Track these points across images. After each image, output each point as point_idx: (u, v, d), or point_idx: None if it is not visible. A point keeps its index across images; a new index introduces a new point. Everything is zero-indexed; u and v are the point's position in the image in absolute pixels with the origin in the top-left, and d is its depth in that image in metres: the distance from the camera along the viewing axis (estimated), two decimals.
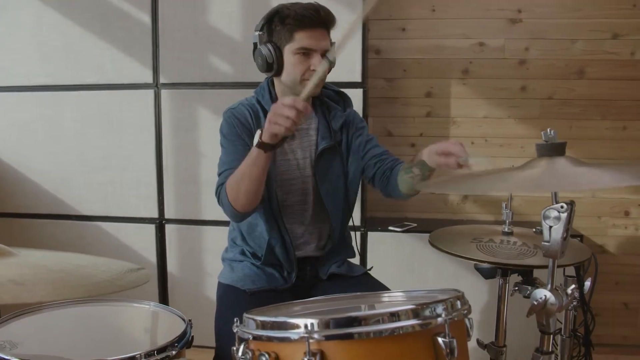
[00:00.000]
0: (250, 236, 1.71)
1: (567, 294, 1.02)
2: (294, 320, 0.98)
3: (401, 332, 0.94)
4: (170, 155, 2.66)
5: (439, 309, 0.96)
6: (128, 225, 2.75)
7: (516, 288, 1.56)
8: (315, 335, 0.95)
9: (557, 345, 1.61)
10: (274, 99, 1.66)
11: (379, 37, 2.79)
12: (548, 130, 1.12)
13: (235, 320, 1.12)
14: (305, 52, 1.56)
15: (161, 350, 1.21)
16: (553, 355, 1.09)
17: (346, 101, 1.77)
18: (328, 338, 0.95)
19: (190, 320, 1.36)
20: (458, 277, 2.51)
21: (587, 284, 1.53)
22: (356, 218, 2.56)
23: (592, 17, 2.65)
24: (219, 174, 1.64)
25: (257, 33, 1.62)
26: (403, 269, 2.57)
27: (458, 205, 2.86)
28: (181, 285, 2.75)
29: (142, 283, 1.26)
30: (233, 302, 1.59)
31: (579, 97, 2.71)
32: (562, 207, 0.97)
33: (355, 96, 2.48)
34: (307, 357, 0.93)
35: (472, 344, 1.63)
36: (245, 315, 1.10)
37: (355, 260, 2.52)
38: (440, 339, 0.94)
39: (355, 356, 0.93)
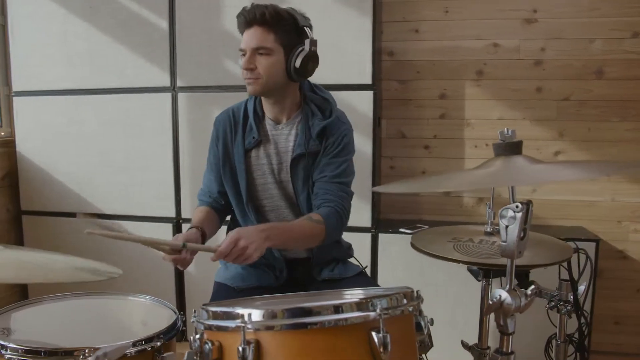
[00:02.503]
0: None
1: (525, 294, 1.01)
2: (236, 310, 1.01)
3: (334, 324, 0.96)
4: (187, 156, 2.74)
5: (377, 304, 0.97)
6: (147, 224, 2.83)
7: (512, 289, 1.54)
8: (249, 326, 0.98)
9: (553, 349, 1.59)
10: (256, 106, 1.73)
11: (392, 39, 2.80)
12: (505, 129, 1.11)
13: (193, 311, 1.16)
14: (243, 53, 1.62)
15: (148, 340, 1.26)
16: (513, 356, 1.08)
17: (332, 110, 1.72)
18: (266, 328, 0.98)
19: (181, 313, 1.41)
20: (468, 280, 2.48)
21: (582, 287, 1.51)
22: (366, 220, 2.58)
23: (611, 16, 2.59)
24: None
25: None
26: (413, 271, 2.57)
27: (472, 208, 2.83)
28: (198, 283, 2.82)
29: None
30: (223, 298, 1.63)
31: (598, 97, 2.65)
32: (517, 206, 0.97)
33: (366, 98, 2.52)
34: (242, 345, 0.96)
35: (457, 345, 1.64)
36: (201, 306, 1.14)
37: (365, 261, 2.56)
38: (374, 334, 0.95)
39: (289, 347, 0.96)
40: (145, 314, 1.52)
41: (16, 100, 2.93)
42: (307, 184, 1.70)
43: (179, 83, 2.70)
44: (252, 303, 1.23)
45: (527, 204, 0.96)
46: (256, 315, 0.98)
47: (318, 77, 2.47)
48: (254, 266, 1.73)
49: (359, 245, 2.57)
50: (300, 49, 1.61)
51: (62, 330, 1.39)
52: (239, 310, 1.01)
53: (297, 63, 1.60)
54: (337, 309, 0.97)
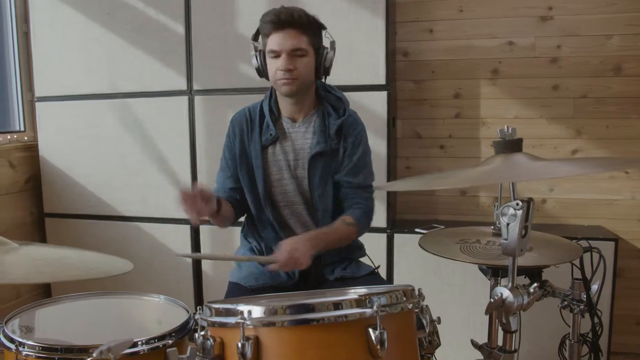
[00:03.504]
0: (255, 234, 1.79)
1: (528, 292, 1.01)
2: (237, 307, 1.03)
3: (333, 321, 0.97)
4: (203, 158, 2.77)
5: (374, 301, 0.98)
6: (165, 225, 2.87)
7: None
8: (249, 322, 1.00)
9: (566, 349, 1.58)
10: (272, 105, 1.77)
11: (407, 39, 2.80)
12: (505, 127, 1.11)
13: (197, 308, 1.18)
14: (275, 55, 1.64)
15: (161, 338, 1.28)
16: (516, 355, 1.07)
17: (345, 109, 1.77)
18: (265, 325, 1.00)
19: (194, 313, 1.44)
20: (484, 280, 2.47)
21: (595, 287, 1.49)
22: (382, 220, 2.58)
23: (628, 11, 2.56)
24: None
25: (252, 43, 1.75)
26: (429, 272, 2.56)
27: (489, 208, 2.81)
28: (216, 284, 2.85)
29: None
30: (236, 297, 1.65)
31: (616, 94, 2.61)
32: (517, 204, 0.96)
33: (380, 99, 2.52)
34: (241, 341, 0.98)
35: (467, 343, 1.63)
36: (205, 303, 1.16)
37: (380, 262, 2.56)
38: (371, 330, 0.96)
39: (288, 343, 0.97)
40: (160, 312, 1.54)
41: (38, 106, 3.01)
42: (323, 181, 1.74)
43: (195, 86, 2.74)
44: (257, 301, 1.25)
45: (528, 202, 0.96)
46: (256, 311, 1.00)
47: (332, 78, 2.49)
48: (266, 265, 1.75)
49: (375, 246, 2.58)
50: (326, 50, 1.71)
51: (80, 328, 1.42)
52: (240, 307, 1.02)
53: (327, 63, 1.72)
54: (337, 305, 0.98)
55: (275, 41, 1.63)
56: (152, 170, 2.84)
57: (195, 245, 2.84)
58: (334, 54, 1.74)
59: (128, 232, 2.93)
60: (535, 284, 1.01)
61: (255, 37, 1.75)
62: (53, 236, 3.07)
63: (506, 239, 0.97)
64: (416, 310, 1.06)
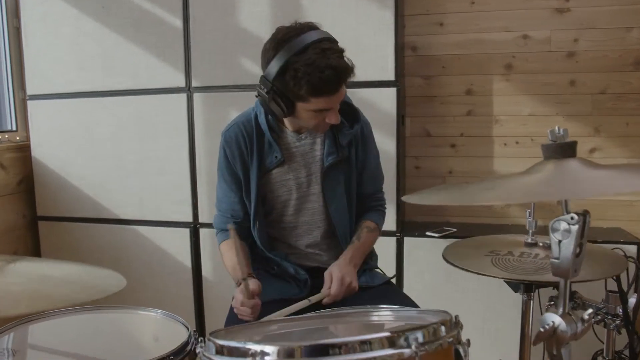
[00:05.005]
0: (263, 247, 1.66)
1: (582, 319, 0.88)
2: (247, 346, 0.89)
3: None
4: (203, 158, 2.64)
5: (411, 340, 0.84)
6: (163, 229, 2.75)
7: (551, 302, 1.41)
8: None
9: None
10: (271, 122, 1.58)
11: (416, 33, 2.67)
12: (556, 127, 0.98)
13: (199, 340, 1.05)
14: (320, 110, 1.47)
15: None
16: None
17: (355, 115, 1.64)
18: None
19: (195, 331, 1.32)
20: (500, 287, 2.35)
21: (632, 300, 1.37)
22: (392, 223, 2.45)
23: None
24: (216, 207, 1.74)
25: (262, 86, 1.47)
26: (440, 277, 2.44)
27: (502, 210, 2.69)
28: (216, 289, 2.73)
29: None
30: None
31: (636, 90, 2.49)
32: (572, 218, 0.84)
33: (389, 96, 2.40)
34: None
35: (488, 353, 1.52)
36: (208, 336, 1.02)
37: (390, 266, 2.44)
38: None
39: None
40: (157, 328, 1.43)
41: (30, 104, 2.88)
42: (338, 193, 1.62)
43: (194, 83, 2.61)
44: (267, 329, 1.10)
45: (584, 215, 0.83)
46: (270, 353, 0.85)
47: None
48: (276, 278, 1.63)
49: (384, 251, 2.44)
50: None
51: (74, 346, 1.30)
52: (251, 346, 0.88)
53: None
54: (365, 345, 0.84)
55: (327, 102, 1.44)
56: (150, 171, 2.72)
57: (195, 249, 2.71)
58: None
59: (125, 235, 2.80)
60: (590, 310, 0.88)
61: (277, 77, 1.43)
62: (47, 240, 2.95)
63: (557, 258, 0.84)
64: (455, 343, 0.91)
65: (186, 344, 1.24)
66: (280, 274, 1.63)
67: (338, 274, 1.48)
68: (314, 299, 1.48)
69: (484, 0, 2.59)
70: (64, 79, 2.79)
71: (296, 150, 1.61)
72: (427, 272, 2.46)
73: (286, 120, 1.60)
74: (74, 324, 1.41)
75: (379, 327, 1.10)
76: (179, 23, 2.58)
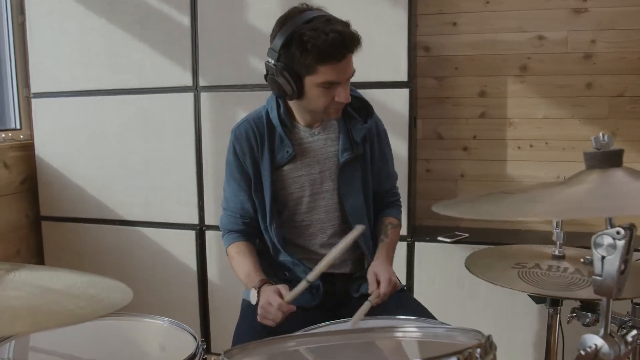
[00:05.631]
0: (274, 251, 1.60)
1: (626, 342, 0.82)
2: None
3: None
4: (210, 159, 2.59)
5: None
6: (168, 231, 2.70)
7: (574, 314, 1.35)
8: None
9: None
10: (282, 116, 1.54)
11: (428, 33, 2.61)
12: (601, 134, 0.91)
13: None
14: (331, 84, 1.42)
15: None
16: None
17: (368, 110, 1.60)
18: None
19: (203, 341, 1.27)
20: (513, 295, 2.29)
21: None
22: (403, 227, 2.38)
23: None
24: (223, 208, 1.65)
25: (270, 59, 1.44)
26: (452, 284, 2.38)
27: None
28: (222, 292, 2.67)
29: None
30: (252, 320, 1.47)
31: None
32: (618, 232, 0.77)
33: (401, 97, 2.34)
34: None
35: None
36: (223, 356, 0.95)
37: (400, 272, 2.38)
38: None
39: None
40: (163, 337, 1.37)
41: (35, 102, 2.83)
42: (354, 190, 1.57)
43: (202, 82, 2.55)
44: (284, 345, 1.03)
45: (631, 229, 0.77)
46: None
47: None
48: (287, 283, 1.57)
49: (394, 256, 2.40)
50: None
51: (79, 352, 1.26)
52: None
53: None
54: None
55: (334, 73, 1.39)
56: (156, 172, 2.66)
57: (201, 252, 2.66)
58: None
59: (129, 237, 2.75)
60: (635, 331, 0.82)
61: (277, 51, 1.41)
62: (50, 241, 2.90)
63: (600, 276, 0.78)
64: None
65: (194, 355, 1.19)
66: (292, 279, 1.58)
67: (385, 275, 1.44)
68: (367, 306, 1.37)
69: (498, 0, 2.52)
70: (69, 76, 2.74)
71: (309, 146, 1.56)
72: (438, 278, 2.40)
73: (298, 114, 1.55)
74: (77, 331, 1.35)
75: (410, 349, 1.04)
76: (186, 20, 2.53)
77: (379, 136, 1.62)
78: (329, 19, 1.39)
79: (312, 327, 1.22)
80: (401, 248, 2.42)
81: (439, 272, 2.41)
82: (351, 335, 1.08)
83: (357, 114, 1.57)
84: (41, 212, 2.89)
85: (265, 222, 1.57)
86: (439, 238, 2.42)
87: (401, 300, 1.53)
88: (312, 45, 1.34)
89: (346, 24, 1.42)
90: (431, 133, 2.68)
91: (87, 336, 1.35)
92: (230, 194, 1.62)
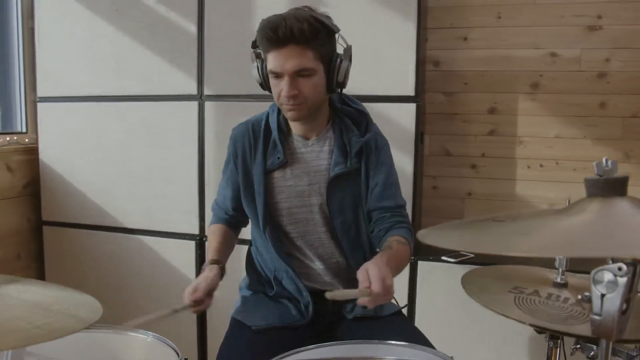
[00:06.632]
0: (262, 263, 1.56)
1: None
2: None
3: None
4: (212, 169, 2.55)
5: None
6: (168, 240, 2.66)
7: (577, 346, 1.28)
8: None
9: None
10: (281, 121, 1.54)
11: (438, 47, 2.56)
12: (604, 160, 0.85)
13: None
14: (276, 75, 1.40)
15: None
16: None
17: (368, 123, 1.54)
18: None
19: (185, 359, 1.22)
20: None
21: None
22: None
23: None
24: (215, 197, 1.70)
25: (252, 51, 1.50)
26: (456, 305, 2.30)
27: None
28: (220, 305, 2.61)
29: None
30: (237, 340, 1.42)
31: None
32: (619, 269, 0.71)
33: (408, 112, 2.29)
34: None
35: None
36: None
37: (402, 291, 2.32)
38: None
39: None
40: (147, 353, 1.33)
41: (40, 106, 2.82)
42: (344, 207, 1.50)
43: (207, 91, 2.52)
44: None
45: (634, 265, 0.70)
46: None
47: (356, 88, 2.23)
48: (276, 301, 1.53)
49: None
50: (338, 60, 1.43)
51: None
52: None
53: (341, 77, 1.43)
54: None
55: (275, 61, 1.37)
56: (158, 179, 2.63)
57: (200, 262, 2.61)
58: (350, 62, 1.46)
59: (130, 245, 2.72)
60: None
61: (255, 45, 1.48)
62: (51, 246, 2.88)
63: (599, 315, 0.71)
64: None
65: None
66: (280, 294, 1.53)
67: (378, 273, 1.22)
68: (350, 294, 1.27)
69: (511, 15, 2.47)
70: (75, 81, 2.73)
71: (301, 157, 1.52)
72: (441, 299, 2.33)
73: (292, 122, 1.53)
74: (59, 344, 1.32)
75: None
76: (193, 28, 2.51)
77: (377, 150, 1.53)
78: (296, 9, 1.39)
79: (296, 350, 1.16)
80: None
81: (441, 292, 2.34)
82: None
83: (356, 127, 1.52)
84: (43, 217, 2.87)
85: (259, 229, 1.54)
86: (443, 258, 2.35)
87: (395, 323, 1.47)
88: (260, 28, 1.38)
89: (308, 18, 1.36)
90: (439, 149, 2.62)
91: (69, 350, 1.31)
92: (220, 186, 1.66)
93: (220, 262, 1.54)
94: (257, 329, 1.45)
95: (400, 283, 2.33)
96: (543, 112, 2.48)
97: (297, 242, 1.55)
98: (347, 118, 1.51)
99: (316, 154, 1.52)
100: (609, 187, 0.80)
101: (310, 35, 1.34)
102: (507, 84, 2.50)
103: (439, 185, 2.64)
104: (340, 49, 1.47)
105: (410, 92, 2.28)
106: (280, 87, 1.40)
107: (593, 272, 0.72)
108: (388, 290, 1.23)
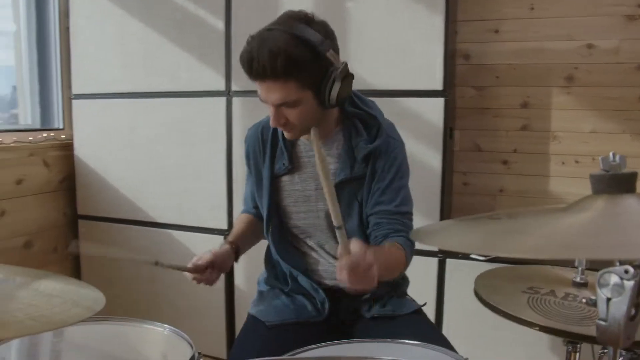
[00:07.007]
0: (278, 254, 1.56)
1: None
2: None
3: None
4: (240, 165, 2.56)
5: None
6: (198, 235, 2.69)
7: (605, 350, 1.23)
8: None
9: None
10: None
11: (469, 40, 2.50)
12: (611, 154, 0.79)
13: None
14: (264, 101, 1.36)
15: None
16: None
17: (379, 128, 1.44)
18: None
19: (200, 353, 1.23)
20: None
21: None
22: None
23: None
24: None
25: None
26: (482, 306, 2.24)
27: None
28: (248, 299, 2.62)
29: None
30: (251, 336, 1.42)
31: None
32: (626, 271, 0.66)
33: (436, 106, 2.24)
34: None
35: None
36: None
37: (430, 290, 2.28)
38: None
39: None
40: (164, 346, 1.34)
41: (75, 103, 2.89)
42: (353, 211, 1.46)
43: (234, 87, 2.54)
44: None
45: None
46: None
47: (383, 83, 2.21)
48: (292, 296, 1.52)
49: (423, 273, 2.30)
50: (332, 77, 1.30)
51: (79, 356, 1.24)
52: None
53: (334, 97, 1.31)
54: None
55: (259, 91, 1.33)
56: (188, 175, 2.67)
57: None
58: (348, 78, 1.33)
59: (161, 239, 2.76)
60: None
61: None
62: (86, 239, 2.95)
63: (604, 320, 0.66)
64: None
65: None
66: (296, 290, 1.52)
67: (362, 245, 1.11)
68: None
69: (544, 6, 2.38)
70: (108, 78, 2.79)
71: (307, 161, 1.49)
72: (470, 298, 2.27)
73: None
74: (75, 335, 1.35)
75: None
76: (221, 25, 2.52)
77: (387, 154, 1.43)
78: (279, 28, 1.29)
79: (307, 347, 1.15)
80: (432, 264, 2.32)
81: (470, 291, 2.28)
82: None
83: (366, 131, 1.44)
84: (78, 211, 2.95)
85: (263, 226, 1.55)
86: (472, 255, 2.30)
87: (412, 323, 1.44)
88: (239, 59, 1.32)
89: (285, 48, 1.24)
90: (470, 145, 2.56)
91: (87, 341, 1.34)
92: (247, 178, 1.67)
93: (235, 243, 1.54)
94: (270, 324, 1.44)
95: (428, 282, 2.30)
96: (578, 106, 2.38)
97: (309, 242, 1.53)
98: (358, 120, 1.45)
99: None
100: (616, 183, 0.75)
101: (288, 68, 1.24)
102: (541, 78, 2.42)
103: (470, 182, 2.58)
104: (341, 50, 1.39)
105: (438, 86, 2.23)
106: (268, 113, 1.37)
107: (599, 273, 0.68)
108: (366, 266, 1.09)
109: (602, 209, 0.73)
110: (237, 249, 1.55)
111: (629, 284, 0.65)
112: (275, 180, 1.51)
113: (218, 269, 1.46)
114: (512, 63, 2.45)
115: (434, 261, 2.32)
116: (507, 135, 2.50)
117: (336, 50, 1.35)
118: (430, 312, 2.30)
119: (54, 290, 0.97)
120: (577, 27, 2.34)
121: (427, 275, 2.32)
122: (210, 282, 1.46)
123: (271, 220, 1.52)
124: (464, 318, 2.27)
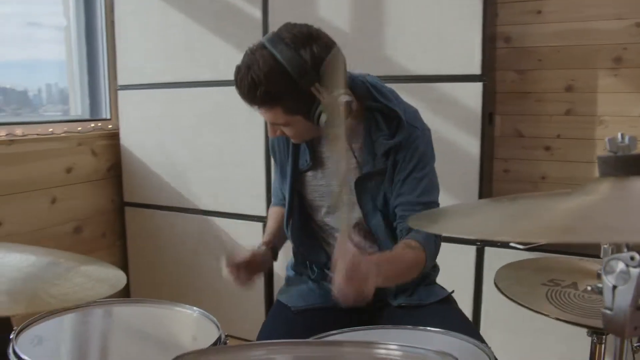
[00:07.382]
0: (296, 247, 1.57)
1: None
2: None
3: None
4: None
5: None
6: (237, 222, 2.74)
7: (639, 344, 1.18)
8: None
9: None
10: None
11: (510, 22, 2.42)
12: (619, 135, 0.75)
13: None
14: None
15: None
16: None
17: (399, 125, 1.38)
18: None
19: (226, 336, 1.26)
20: None
21: None
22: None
23: None
24: None
25: None
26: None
27: None
28: None
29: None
30: (276, 321, 1.44)
31: None
32: (632, 258, 0.62)
33: (474, 91, 2.19)
34: None
35: None
36: None
37: (468, 280, 2.25)
38: None
39: None
40: (194, 328, 1.38)
41: (121, 94, 2.98)
42: (377, 206, 1.43)
43: None
44: (248, 354, 0.92)
45: None
46: None
47: (419, 68, 2.17)
48: (317, 282, 1.53)
49: (461, 262, 2.26)
50: (318, 110, 1.27)
51: (96, 342, 1.29)
52: None
53: (323, 123, 1.29)
54: None
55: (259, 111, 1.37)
56: (228, 163, 2.72)
57: None
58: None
59: (202, 225, 2.83)
60: None
61: None
62: (132, 225, 3.06)
63: (610, 309, 0.63)
64: None
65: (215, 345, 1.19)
66: (322, 276, 1.53)
67: (356, 254, 1.09)
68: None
69: None
70: (151, 69, 2.86)
71: (329, 157, 1.48)
72: None
73: None
74: (109, 316, 1.40)
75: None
76: (258, 14, 2.54)
77: (408, 146, 1.38)
78: (260, 49, 1.30)
79: (329, 332, 1.16)
80: (470, 253, 2.28)
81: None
82: (322, 348, 0.98)
83: (386, 125, 1.39)
84: (125, 198, 3.06)
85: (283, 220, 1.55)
86: (512, 244, 2.25)
87: (439, 311, 1.41)
88: None
89: (262, 80, 1.26)
90: (511, 130, 2.49)
91: (119, 322, 1.39)
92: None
93: (271, 243, 1.54)
94: (296, 309, 1.46)
95: (466, 271, 2.26)
96: (627, 89, 2.28)
97: (336, 234, 1.52)
98: (379, 114, 1.40)
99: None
100: (625, 165, 0.71)
101: (268, 100, 1.27)
102: (586, 60, 2.32)
103: (511, 168, 2.51)
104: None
105: (477, 70, 2.18)
106: None
107: (604, 260, 0.65)
108: (360, 276, 1.09)
109: (608, 192, 0.69)
110: (273, 248, 1.55)
111: (635, 272, 0.61)
112: (300, 175, 1.51)
113: (255, 269, 1.44)
114: (556, 45, 2.37)
115: (472, 249, 2.28)
116: (550, 120, 2.42)
117: (329, 75, 1.27)
118: (467, 301, 2.26)
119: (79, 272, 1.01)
120: (625, 5, 2.24)
121: (465, 265, 2.28)
122: (242, 283, 1.41)
123: (292, 215, 1.52)
124: (502, 307, 2.23)
